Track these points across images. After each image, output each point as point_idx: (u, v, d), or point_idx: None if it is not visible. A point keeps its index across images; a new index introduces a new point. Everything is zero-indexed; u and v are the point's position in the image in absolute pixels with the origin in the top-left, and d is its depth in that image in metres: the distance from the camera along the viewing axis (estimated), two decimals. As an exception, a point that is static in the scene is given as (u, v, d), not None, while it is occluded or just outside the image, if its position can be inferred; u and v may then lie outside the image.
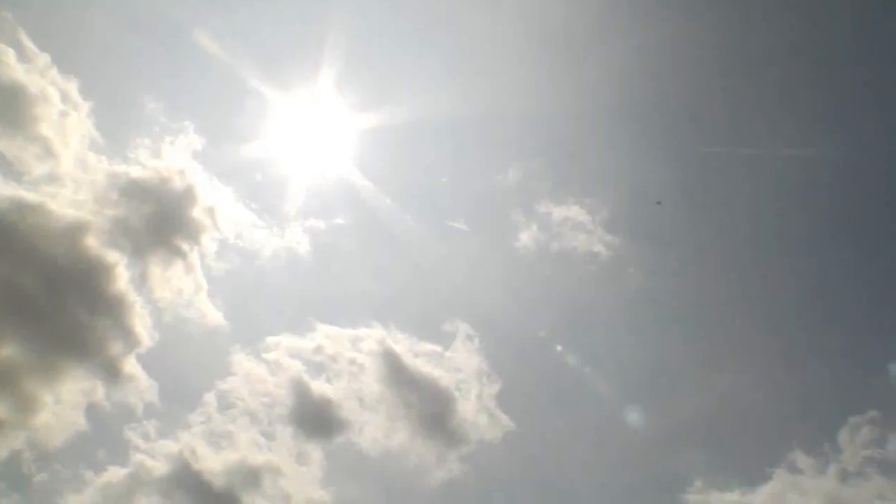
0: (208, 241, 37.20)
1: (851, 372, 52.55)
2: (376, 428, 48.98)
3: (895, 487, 44.49)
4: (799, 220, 48.73)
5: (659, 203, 42.42)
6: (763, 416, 48.77)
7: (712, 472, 46.96)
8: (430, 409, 45.91)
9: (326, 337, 43.76)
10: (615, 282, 49.65)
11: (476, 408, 47.33)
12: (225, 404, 42.32)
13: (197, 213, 35.70)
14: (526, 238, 50.04)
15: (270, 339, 44.87)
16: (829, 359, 49.93)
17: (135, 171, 33.43)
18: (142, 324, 36.89)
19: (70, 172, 31.09)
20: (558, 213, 49.66)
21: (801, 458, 47.38)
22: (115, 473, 39.53)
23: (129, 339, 35.26)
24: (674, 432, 49.98)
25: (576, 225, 48.19)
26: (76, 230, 30.06)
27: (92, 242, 30.99)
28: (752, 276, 51.86)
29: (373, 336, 45.75)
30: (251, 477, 47.60)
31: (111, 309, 32.94)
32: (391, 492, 53.90)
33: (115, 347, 34.74)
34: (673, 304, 50.94)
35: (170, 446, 40.94)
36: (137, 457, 40.48)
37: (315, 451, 46.35)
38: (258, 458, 42.45)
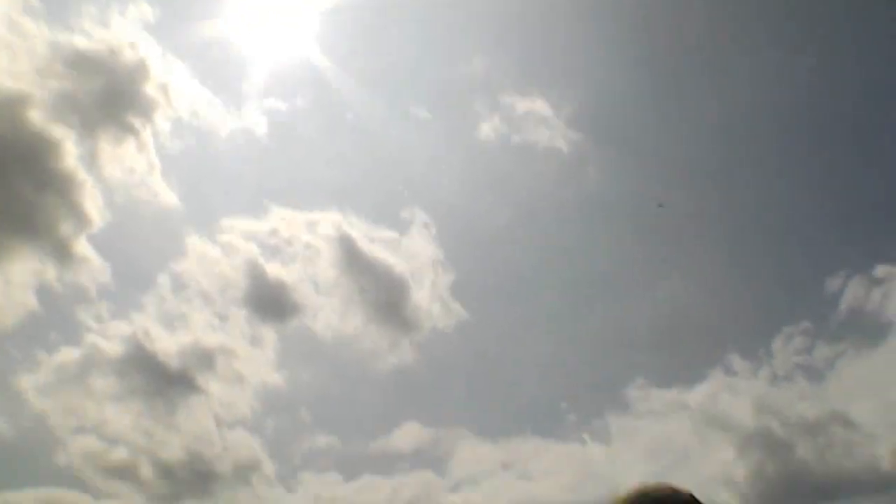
0: (161, 120, 36.09)
1: (791, 284, 55.51)
2: (330, 312, 49.90)
3: (816, 391, 49.16)
4: (761, 131, 48.92)
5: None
6: (705, 320, 51.18)
7: (653, 370, 49.93)
8: (384, 295, 46.69)
9: (282, 220, 43.60)
10: (574, 179, 49.94)
11: (430, 296, 48.28)
12: (178, 286, 42.41)
13: (149, 89, 34.36)
14: (487, 129, 49.59)
15: (225, 222, 44.56)
16: (771, 270, 52.15)
17: (80, 42, 31.74)
18: (92, 203, 36.15)
19: (4, 37, 29.33)
20: (522, 105, 49.05)
21: (737, 362, 50.78)
22: (69, 354, 39.83)
23: (79, 218, 34.68)
24: (619, 331, 52.18)
25: (539, 119, 47.75)
26: (17, 102, 28.73)
27: (35, 116, 29.73)
28: (709, 184, 52.66)
29: (329, 220, 45.74)
30: (205, 359, 48.54)
31: (59, 187, 32.18)
32: (344, 376, 55.85)
33: (65, 227, 34.18)
34: (629, 206, 51.69)
35: (123, 328, 41.18)
36: (90, 338, 40.69)
37: (269, 335, 47.19)
38: (212, 340, 43.04)
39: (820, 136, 48.79)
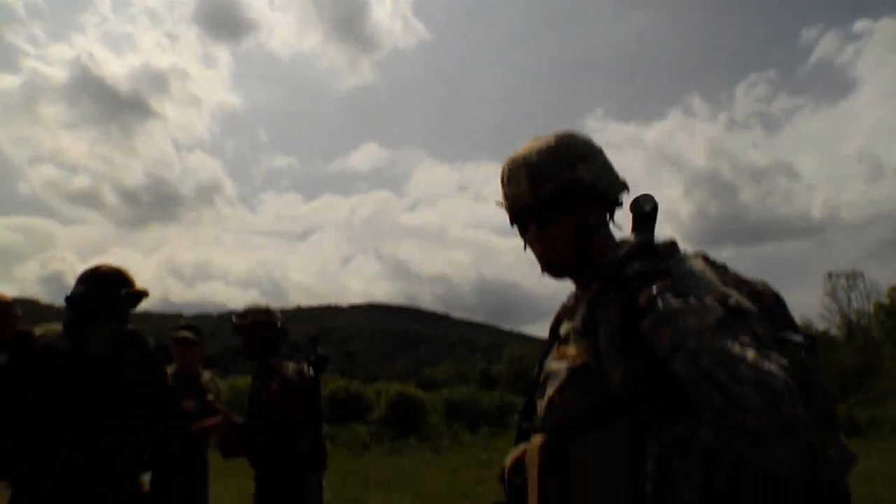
0: None
1: (766, 31, 55.66)
2: (286, 30, 47.28)
3: (768, 140, 53.88)
4: None
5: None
6: (673, 57, 51.06)
7: (614, 103, 51.20)
8: (344, 11, 44.09)
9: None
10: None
11: (391, 14, 46.01)
12: (120, 4, 39.09)
13: None
14: None
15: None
16: (749, 13, 51.15)
17: None
18: None
19: None
20: None
21: (698, 103, 53.16)
22: (8, 82, 37.17)
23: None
24: (585, 60, 51.65)
25: None
26: None
27: None
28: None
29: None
30: (158, 81, 46.52)
31: None
32: (302, 96, 55.00)
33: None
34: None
35: (65, 51, 38.24)
36: (29, 63, 37.76)
37: (223, 54, 44.88)
38: (163, 62, 40.85)
39: None
